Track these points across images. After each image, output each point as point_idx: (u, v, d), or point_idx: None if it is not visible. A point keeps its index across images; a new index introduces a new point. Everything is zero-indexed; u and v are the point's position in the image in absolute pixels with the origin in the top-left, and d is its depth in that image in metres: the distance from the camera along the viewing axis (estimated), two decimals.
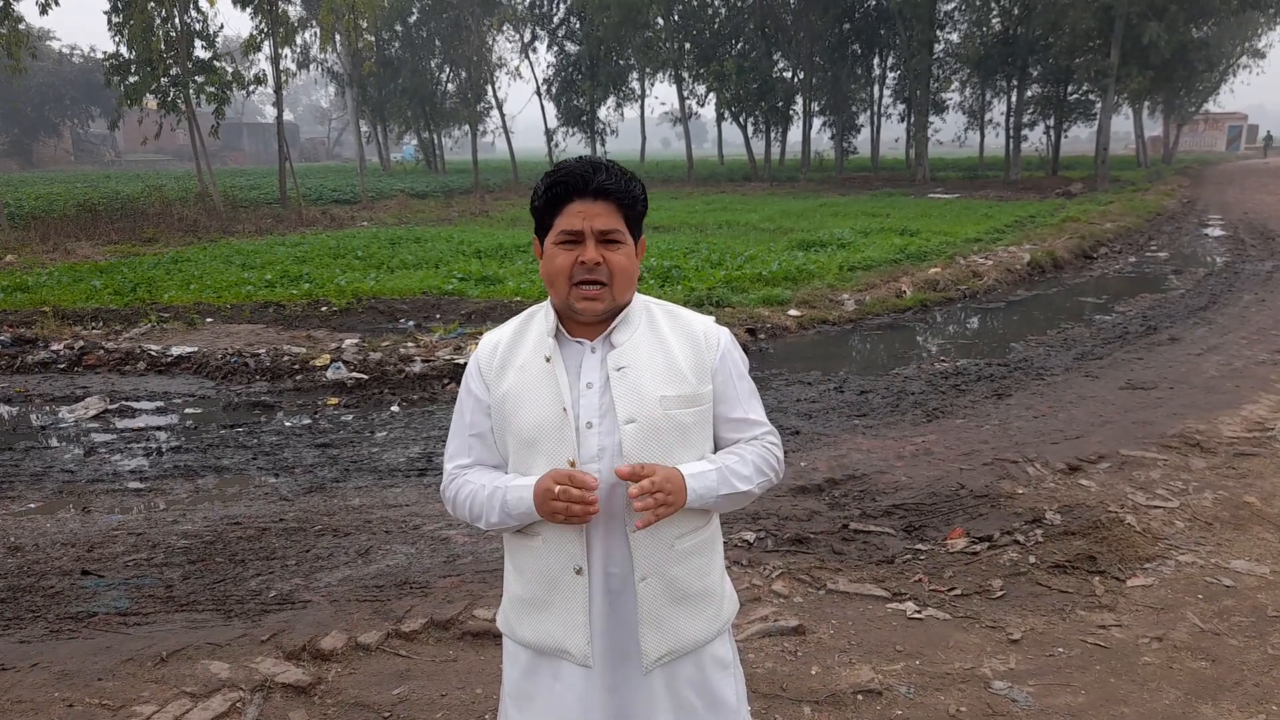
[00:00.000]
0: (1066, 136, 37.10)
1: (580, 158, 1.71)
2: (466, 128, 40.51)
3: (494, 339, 1.84)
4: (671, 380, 1.74)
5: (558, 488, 1.61)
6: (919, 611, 3.66)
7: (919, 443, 5.81)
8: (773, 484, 1.86)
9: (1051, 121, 35.45)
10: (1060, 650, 3.35)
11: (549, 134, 41.70)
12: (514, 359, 1.78)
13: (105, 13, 23.21)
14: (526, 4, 40.86)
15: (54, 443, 6.34)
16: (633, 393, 1.71)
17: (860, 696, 3.08)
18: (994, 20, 33.75)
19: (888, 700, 3.06)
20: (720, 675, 1.86)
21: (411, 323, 9.84)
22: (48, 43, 53.39)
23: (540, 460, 1.72)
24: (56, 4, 20.06)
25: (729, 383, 1.81)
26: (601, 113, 42.24)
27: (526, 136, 50.19)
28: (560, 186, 1.68)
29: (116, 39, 23.55)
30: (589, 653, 1.75)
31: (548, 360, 1.74)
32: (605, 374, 1.73)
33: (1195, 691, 3.07)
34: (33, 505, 5.11)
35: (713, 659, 1.85)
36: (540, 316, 1.81)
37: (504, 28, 39.13)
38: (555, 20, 40.98)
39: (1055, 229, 17.23)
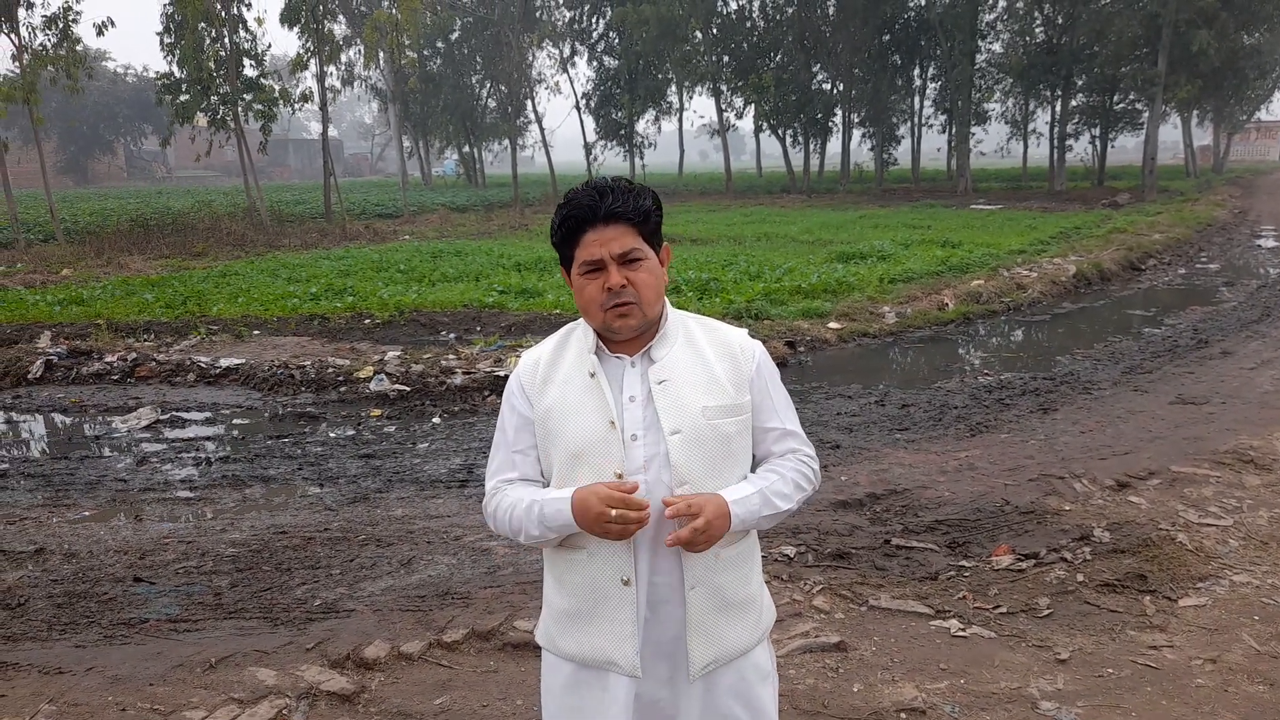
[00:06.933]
0: (1113, 146, 36.47)
1: (587, 183, 1.74)
2: (506, 142, 40.94)
3: (534, 356, 1.87)
4: (712, 391, 1.77)
5: (614, 511, 1.64)
6: (963, 629, 3.61)
7: (962, 457, 5.74)
8: (810, 497, 1.89)
9: (1097, 131, 34.85)
10: (1110, 671, 3.28)
11: (588, 148, 41.96)
12: (555, 375, 1.81)
13: (158, 33, 23.89)
14: (566, 20, 41.26)
15: (107, 452, 6.51)
16: (676, 404, 1.75)
17: (903, 715, 3.04)
18: (1037, 29, 33.33)
19: (932, 719, 3.02)
20: (761, 684, 1.89)
21: (453, 335, 9.94)
22: (103, 63, 55.09)
23: (585, 472, 1.74)
24: (112, 25, 20.68)
25: (765, 393, 1.85)
26: (640, 126, 42.45)
27: (566, 150, 50.55)
28: (571, 221, 1.72)
29: (168, 59, 24.22)
30: (637, 663, 1.76)
31: (592, 376, 1.77)
32: (647, 387, 1.76)
33: (1252, 716, 2.98)
34: (87, 513, 5.24)
35: (754, 667, 1.87)
36: (579, 333, 1.84)
37: (544, 44, 39.51)
38: (594, 35, 41.32)
39: (1102, 240, 16.93)
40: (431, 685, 3.30)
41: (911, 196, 32.43)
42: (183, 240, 20.07)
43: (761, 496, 1.76)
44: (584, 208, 1.70)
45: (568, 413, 1.77)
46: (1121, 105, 33.82)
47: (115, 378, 8.53)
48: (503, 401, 1.90)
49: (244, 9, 24.73)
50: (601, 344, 1.79)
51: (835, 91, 38.02)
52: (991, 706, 3.08)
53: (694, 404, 1.75)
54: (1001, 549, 4.33)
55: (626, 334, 1.76)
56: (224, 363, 8.66)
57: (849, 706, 3.10)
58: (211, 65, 23.89)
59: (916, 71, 39.80)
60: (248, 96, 24.75)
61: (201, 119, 25.10)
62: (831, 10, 36.78)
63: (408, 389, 7.77)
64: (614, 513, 1.63)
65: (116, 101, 61.21)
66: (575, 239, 1.72)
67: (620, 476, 1.72)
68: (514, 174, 36.00)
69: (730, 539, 1.79)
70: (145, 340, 9.87)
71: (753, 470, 1.86)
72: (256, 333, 10.21)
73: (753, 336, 1.90)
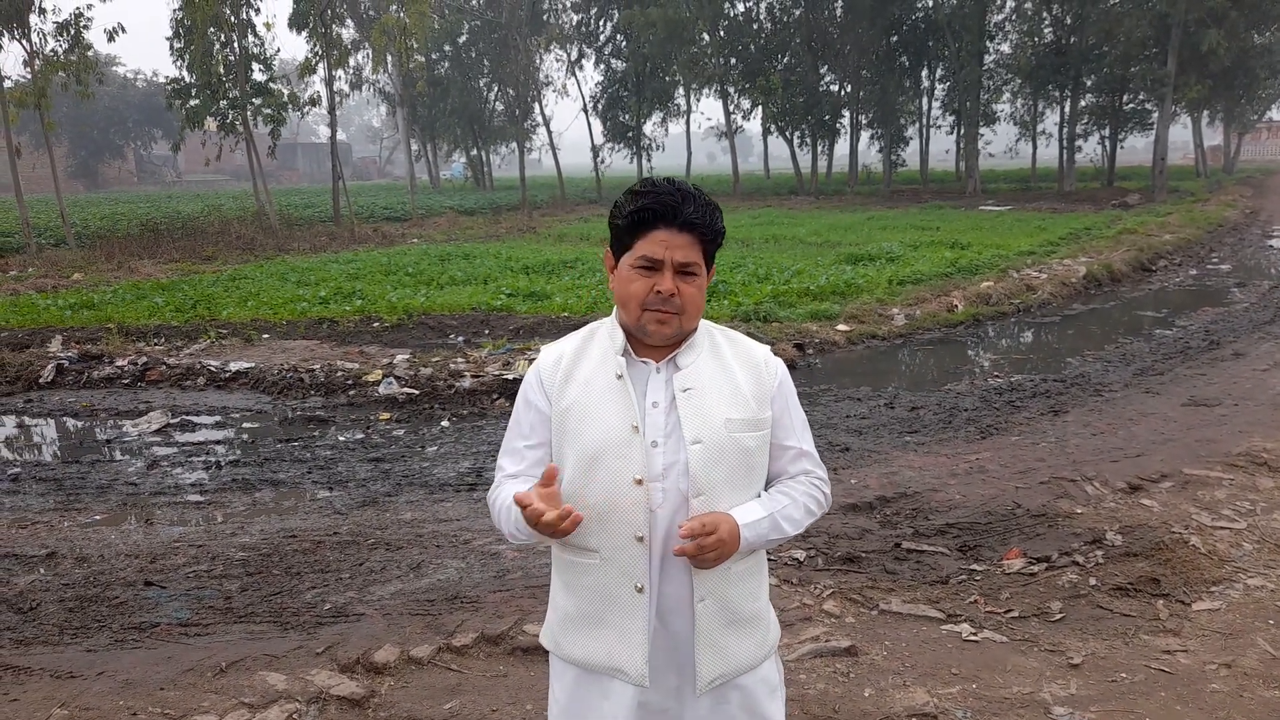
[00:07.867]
0: (1122, 147, 36.31)
1: (670, 182, 1.71)
2: (514, 145, 41.03)
3: (557, 351, 1.83)
4: (736, 403, 1.75)
5: (563, 523, 1.60)
6: (975, 633, 3.59)
7: (973, 460, 5.71)
8: (817, 521, 1.88)
9: (1106, 132, 34.75)
10: (1123, 675, 3.26)
11: (595, 150, 42.02)
12: (577, 373, 1.78)
13: (168, 39, 24.07)
14: (574, 23, 41.32)
15: (118, 456, 6.53)
16: (699, 414, 1.73)
17: None
18: (1046, 30, 33.25)
19: None
20: (770, 698, 1.87)
21: (461, 338, 9.96)
22: (114, 68, 55.39)
23: (602, 474, 1.72)
24: (123, 31, 20.81)
25: (785, 411, 1.83)
26: (647, 128, 42.47)
27: (573, 153, 50.58)
28: (648, 213, 1.68)
29: (178, 64, 24.41)
30: (645, 672, 1.74)
31: (619, 378, 1.74)
32: (671, 394, 1.74)
33: None
34: (98, 517, 5.26)
35: (762, 681, 1.85)
36: (603, 334, 1.81)
37: (551, 47, 39.58)
38: (602, 38, 41.37)
39: (1112, 241, 16.87)
40: (441, 690, 3.30)
41: (920, 198, 32.37)
42: (192, 244, 20.15)
43: (771, 521, 1.75)
44: (667, 206, 1.67)
45: (588, 413, 1.74)
46: (1131, 105, 33.73)
47: (126, 382, 8.56)
48: (519, 394, 1.85)
49: (253, 14, 24.86)
50: (629, 347, 1.77)
51: (843, 93, 38.01)
52: (1004, 711, 3.06)
53: (717, 415, 1.73)
54: (1013, 552, 4.30)
55: (658, 341, 1.74)
56: (234, 366, 8.69)
57: (860, 711, 3.08)
58: (221, 70, 24.04)
59: (925, 72, 39.70)
60: (257, 101, 24.89)
61: (211, 123, 25.25)
62: (839, 11, 36.77)
63: (416, 392, 7.78)
64: (562, 524, 1.59)
65: (126, 106, 61.53)
66: (643, 231, 1.69)
67: (640, 482, 1.70)
68: (522, 177, 36.09)
69: (739, 554, 1.78)
70: (155, 344, 9.91)
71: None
72: (266, 336, 10.24)
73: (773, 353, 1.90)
